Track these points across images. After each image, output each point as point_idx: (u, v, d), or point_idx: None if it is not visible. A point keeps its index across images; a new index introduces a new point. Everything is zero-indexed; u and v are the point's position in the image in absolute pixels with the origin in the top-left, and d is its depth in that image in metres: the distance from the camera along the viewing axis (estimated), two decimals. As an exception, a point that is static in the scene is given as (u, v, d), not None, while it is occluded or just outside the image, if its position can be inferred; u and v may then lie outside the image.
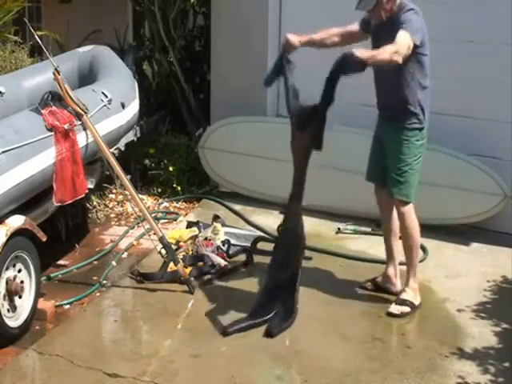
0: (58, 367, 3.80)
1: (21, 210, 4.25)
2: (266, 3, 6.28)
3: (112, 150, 5.36)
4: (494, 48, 5.52)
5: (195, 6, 7.26)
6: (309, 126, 4.17)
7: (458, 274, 5.02)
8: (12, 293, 4.06)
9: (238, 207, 6.16)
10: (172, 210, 6.32)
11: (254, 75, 6.34)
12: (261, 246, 5.25)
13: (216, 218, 5.66)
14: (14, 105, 4.97)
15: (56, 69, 4.68)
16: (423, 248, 5.12)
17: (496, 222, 5.60)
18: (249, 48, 6.37)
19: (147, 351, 4.00)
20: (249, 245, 5.27)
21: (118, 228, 5.88)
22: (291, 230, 4.31)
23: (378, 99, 4.50)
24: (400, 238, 4.57)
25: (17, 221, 4.13)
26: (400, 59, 3.99)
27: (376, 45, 4.22)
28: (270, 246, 5.07)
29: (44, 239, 4.33)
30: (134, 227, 5.82)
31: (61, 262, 5.12)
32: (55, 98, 4.56)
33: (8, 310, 4.04)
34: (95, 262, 5.19)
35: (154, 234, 4.82)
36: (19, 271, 4.17)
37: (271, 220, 5.69)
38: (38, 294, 4.31)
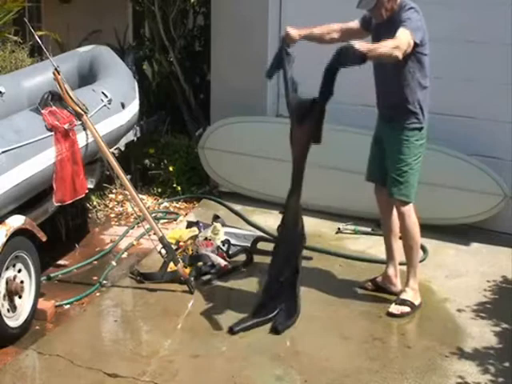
0: (57, 367, 3.80)
1: (21, 209, 4.25)
2: (266, 3, 6.29)
3: (112, 150, 5.36)
4: (494, 48, 5.52)
5: (195, 6, 7.27)
6: (308, 120, 4.16)
7: (458, 274, 5.02)
8: (12, 293, 4.06)
9: (238, 207, 6.16)
10: (172, 210, 6.32)
11: (254, 75, 6.35)
12: (261, 246, 5.25)
13: (216, 217, 5.66)
14: (14, 105, 4.98)
15: (56, 69, 4.68)
16: (423, 248, 5.12)
17: (496, 221, 5.60)
18: (249, 48, 6.37)
19: (147, 351, 4.00)
20: (249, 245, 5.27)
21: (118, 228, 5.88)
22: (291, 227, 4.31)
23: (377, 99, 4.50)
24: (400, 238, 4.57)
25: (17, 221, 4.13)
26: (400, 55, 3.98)
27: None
28: (270, 246, 5.07)
29: (44, 239, 4.33)
30: (133, 227, 5.82)
31: (61, 262, 5.12)
32: (55, 98, 4.56)
33: (8, 310, 4.04)
34: (95, 262, 5.19)
35: (154, 233, 4.82)
36: (19, 271, 4.17)
37: (271, 220, 5.68)
38: (38, 294, 4.31)
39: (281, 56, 4.36)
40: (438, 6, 5.37)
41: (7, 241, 3.99)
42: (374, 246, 5.36)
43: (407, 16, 4.15)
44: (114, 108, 5.14)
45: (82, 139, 4.65)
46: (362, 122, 5.31)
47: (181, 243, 5.21)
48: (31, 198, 4.40)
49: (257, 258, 5.12)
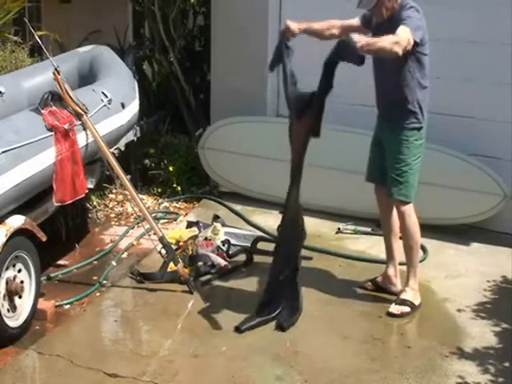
0: (57, 367, 3.80)
1: (21, 209, 4.25)
2: (265, 3, 6.29)
3: (112, 150, 5.36)
4: (494, 48, 5.52)
5: (195, 6, 7.27)
6: (307, 113, 4.16)
7: (458, 274, 5.02)
8: (12, 293, 4.06)
9: (238, 207, 6.16)
10: (172, 210, 6.32)
11: (254, 75, 6.36)
12: (261, 246, 5.25)
13: (216, 217, 5.66)
14: (14, 105, 4.98)
15: (56, 69, 4.68)
16: (423, 248, 5.12)
17: (496, 221, 5.60)
18: (249, 48, 6.37)
19: (147, 351, 4.00)
20: (249, 245, 5.27)
21: (118, 228, 5.88)
22: (291, 225, 4.31)
23: (377, 98, 4.50)
24: (400, 237, 4.57)
25: (17, 221, 4.13)
26: (400, 51, 3.97)
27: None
28: (270, 246, 5.08)
29: (44, 239, 4.33)
30: (133, 227, 5.82)
31: (61, 261, 5.12)
32: (55, 98, 4.56)
33: (8, 310, 4.04)
34: (95, 262, 5.19)
35: (154, 233, 4.82)
36: (19, 271, 4.17)
37: (271, 220, 5.68)
38: (38, 294, 4.31)
39: (280, 49, 4.35)
40: (438, 6, 5.37)
41: (7, 241, 3.99)
42: (373, 246, 5.36)
43: (407, 15, 4.15)
44: (113, 108, 5.14)
45: (81, 139, 4.65)
46: (362, 122, 5.31)
47: (181, 243, 5.20)
48: (31, 198, 4.40)
49: (257, 258, 5.12)
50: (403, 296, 4.47)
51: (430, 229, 5.05)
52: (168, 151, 6.81)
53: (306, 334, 4.21)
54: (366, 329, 4.29)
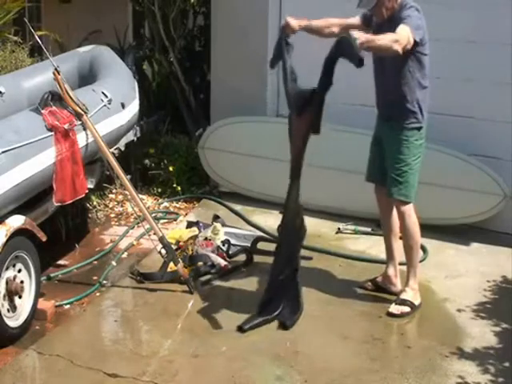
0: (57, 367, 3.80)
1: (21, 209, 4.25)
2: (265, 3, 6.28)
3: (112, 150, 5.36)
4: (494, 48, 5.52)
5: (195, 6, 7.27)
6: (307, 110, 4.16)
7: (458, 274, 5.02)
8: (12, 293, 4.06)
9: (238, 207, 6.16)
10: (172, 210, 6.32)
11: (253, 75, 6.36)
12: (261, 245, 5.25)
13: (216, 217, 5.66)
14: (14, 105, 4.98)
15: (56, 69, 4.68)
16: (423, 248, 5.12)
17: (496, 221, 5.60)
18: (249, 48, 6.36)
19: (147, 351, 4.00)
20: (249, 245, 5.27)
21: (118, 228, 5.88)
22: (291, 224, 4.31)
23: (377, 98, 4.50)
24: (400, 237, 4.57)
25: (17, 221, 4.13)
26: (400, 49, 3.97)
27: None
28: (270, 246, 5.08)
29: (44, 239, 4.33)
30: (133, 227, 5.82)
31: (61, 261, 5.12)
32: (55, 98, 4.56)
33: (8, 310, 4.04)
34: (95, 262, 5.19)
35: (154, 233, 4.82)
36: (19, 271, 4.17)
37: (271, 220, 5.68)
38: (38, 294, 4.31)
39: (280, 46, 4.35)
40: (437, 6, 5.37)
41: (7, 241, 3.99)
42: (373, 246, 5.36)
43: (408, 14, 4.15)
44: (113, 108, 5.14)
45: (82, 139, 4.65)
46: (362, 122, 5.31)
47: (181, 243, 5.20)
48: (31, 198, 4.40)
49: (257, 258, 5.12)
50: (403, 296, 4.47)
51: (429, 229, 5.05)
52: (168, 151, 6.81)
53: (306, 333, 4.21)
54: (366, 329, 4.29)
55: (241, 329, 4.16)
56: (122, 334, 4.29)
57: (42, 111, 4.42)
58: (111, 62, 5.70)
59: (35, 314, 4.25)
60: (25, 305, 4.18)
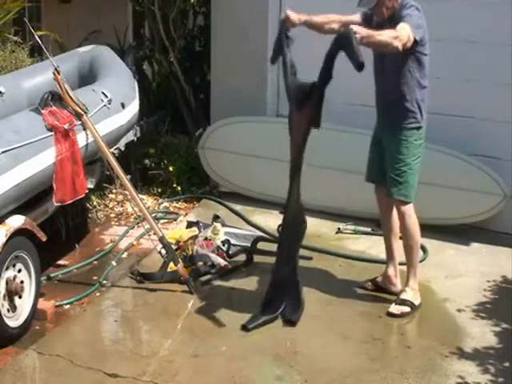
0: (57, 367, 3.80)
1: (21, 209, 4.25)
2: (265, 3, 6.28)
3: (112, 150, 5.36)
4: (494, 48, 5.52)
5: (195, 6, 7.27)
6: (307, 104, 4.15)
7: (458, 274, 5.02)
8: (12, 293, 4.06)
9: (238, 207, 6.16)
10: (172, 210, 6.32)
11: (254, 75, 6.36)
12: (261, 245, 5.25)
13: (216, 217, 5.66)
14: (13, 105, 4.98)
15: (56, 69, 4.68)
16: (423, 248, 5.12)
17: (496, 221, 5.60)
18: (249, 48, 6.36)
19: (147, 351, 4.00)
20: (249, 245, 5.27)
21: (118, 228, 5.88)
22: (292, 223, 4.32)
23: (377, 98, 4.49)
24: (400, 237, 4.57)
25: (17, 221, 4.13)
26: (400, 45, 3.96)
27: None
28: (270, 246, 5.09)
29: (44, 239, 4.33)
30: (133, 227, 5.82)
31: (61, 262, 5.12)
32: (55, 98, 4.56)
33: (8, 310, 4.04)
34: (95, 262, 5.19)
35: (154, 233, 4.82)
36: (19, 271, 4.17)
37: (271, 220, 5.68)
38: (38, 294, 4.31)
39: (280, 39, 4.34)
40: (438, 6, 5.37)
41: (7, 241, 3.99)
42: (373, 246, 5.36)
43: (408, 13, 4.15)
44: (113, 108, 5.14)
45: (82, 139, 4.65)
46: (361, 122, 5.31)
47: (181, 243, 5.20)
48: (31, 198, 4.40)
49: (257, 258, 5.12)
50: (403, 296, 4.47)
51: (429, 229, 5.05)
52: (168, 151, 6.81)
53: (306, 333, 4.21)
54: (366, 329, 4.29)
55: (245, 328, 4.17)
56: (121, 333, 4.29)
57: (42, 111, 4.42)
58: (111, 61, 5.70)
59: (35, 313, 4.25)
60: (25, 305, 4.18)
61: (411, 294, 4.46)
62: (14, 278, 4.10)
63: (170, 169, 6.63)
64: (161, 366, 3.85)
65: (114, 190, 6.44)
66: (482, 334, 4.20)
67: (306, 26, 4.43)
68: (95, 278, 4.91)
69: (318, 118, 4.15)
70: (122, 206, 6.30)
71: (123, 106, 5.30)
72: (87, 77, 5.49)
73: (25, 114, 4.51)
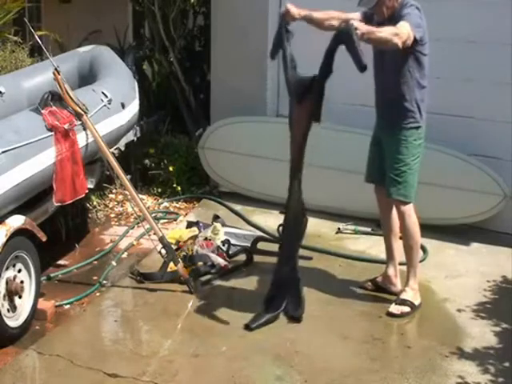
0: (57, 367, 3.80)
1: (21, 209, 4.25)
2: (265, 3, 6.28)
3: (112, 150, 5.36)
4: (494, 48, 5.52)
5: (195, 6, 7.27)
6: (307, 98, 4.15)
7: (458, 274, 5.02)
8: (12, 293, 4.06)
9: (238, 207, 6.16)
10: (172, 210, 6.32)
11: (254, 75, 6.36)
12: (261, 245, 5.25)
13: (216, 217, 5.66)
14: (13, 105, 4.98)
15: (56, 69, 4.68)
16: (423, 248, 5.12)
17: (496, 221, 5.60)
18: (249, 48, 6.36)
19: (147, 351, 4.00)
20: (249, 245, 5.27)
21: (118, 228, 5.88)
22: (294, 222, 4.32)
23: (376, 98, 4.49)
24: (400, 237, 4.57)
25: (17, 221, 4.13)
26: (399, 43, 3.97)
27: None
28: (270, 246, 5.09)
29: (44, 239, 4.33)
30: (133, 227, 5.82)
31: (61, 261, 5.12)
32: (55, 98, 4.56)
33: (8, 310, 4.04)
34: (95, 262, 5.19)
35: (154, 233, 4.82)
36: (19, 271, 4.17)
37: (271, 220, 5.68)
38: (38, 294, 4.31)
39: (280, 33, 4.33)
40: (438, 6, 5.37)
41: (7, 241, 3.99)
42: (373, 246, 5.36)
43: (408, 12, 4.16)
44: (113, 108, 5.14)
45: (82, 139, 4.65)
46: (361, 122, 5.31)
47: (181, 243, 5.20)
48: (31, 198, 4.40)
49: (257, 258, 5.12)
50: (403, 296, 4.47)
51: (429, 229, 5.05)
52: (168, 151, 6.81)
53: (306, 333, 4.21)
54: (366, 329, 4.29)
55: (248, 327, 4.17)
56: (122, 334, 4.29)
57: (42, 111, 4.42)
58: (111, 61, 5.70)
59: (35, 313, 4.25)
60: (25, 305, 4.18)
61: (411, 294, 4.46)
62: (14, 278, 4.10)
63: (170, 169, 6.63)
64: (161, 366, 3.85)
65: (114, 190, 6.44)
66: (482, 334, 4.20)
67: (305, 21, 4.41)
68: (95, 277, 4.91)
69: (318, 111, 4.15)
70: (122, 206, 6.30)
71: (123, 106, 5.30)
72: (87, 77, 5.49)
73: (25, 114, 4.51)
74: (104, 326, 4.42)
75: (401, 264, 4.63)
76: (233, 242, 5.27)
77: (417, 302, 4.47)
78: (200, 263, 4.92)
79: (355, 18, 4.42)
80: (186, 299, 4.57)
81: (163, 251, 4.74)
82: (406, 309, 4.42)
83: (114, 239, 5.60)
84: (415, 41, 4.10)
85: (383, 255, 4.79)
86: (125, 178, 4.80)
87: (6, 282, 4.04)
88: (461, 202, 5.56)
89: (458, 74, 5.65)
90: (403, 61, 4.22)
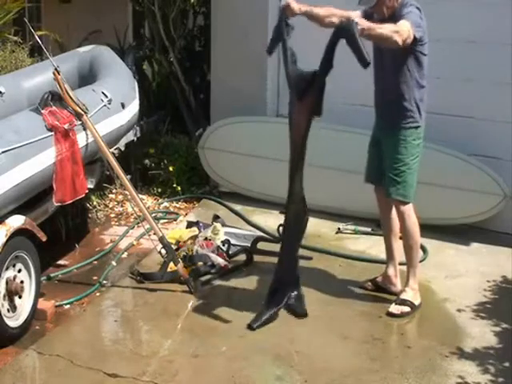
0: (57, 367, 3.80)
1: (21, 209, 4.25)
2: (265, 3, 6.28)
3: (112, 150, 5.36)
4: (494, 48, 5.52)
5: (195, 6, 7.27)
6: (308, 93, 4.15)
7: (458, 274, 5.02)
8: (12, 293, 4.06)
9: (238, 207, 6.16)
10: (172, 210, 6.32)
11: (253, 75, 6.36)
12: (261, 245, 5.25)
13: (216, 217, 5.66)
14: (13, 105, 4.98)
15: (56, 69, 4.68)
16: (423, 248, 5.12)
17: (496, 221, 5.60)
18: (249, 48, 6.36)
19: (147, 351, 4.00)
20: (249, 245, 5.27)
21: (118, 228, 5.88)
22: (294, 222, 4.32)
23: (376, 97, 4.49)
24: (400, 237, 4.57)
25: (17, 221, 4.13)
26: (400, 40, 3.97)
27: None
28: (270, 246, 5.09)
29: (44, 239, 4.33)
30: (133, 227, 5.82)
31: (61, 262, 5.12)
32: (55, 98, 4.56)
33: (8, 310, 4.04)
34: (95, 262, 5.19)
35: (154, 233, 4.82)
36: (19, 271, 4.17)
37: (271, 220, 5.69)
38: (38, 294, 4.31)
39: (280, 27, 4.32)
40: (438, 6, 5.37)
41: (7, 241, 3.99)
42: (373, 246, 5.36)
43: (408, 11, 4.16)
44: (113, 108, 5.14)
45: (82, 139, 4.65)
46: (361, 122, 5.30)
47: (181, 243, 5.20)
48: (31, 198, 4.40)
49: (257, 258, 5.12)
50: (403, 296, 4.47)
51: (430, 229, 5.06)
52: (168, 151, 6.81)
53: (306, 333, 4.21)
54: (366, 329, 4.29)
55: (250, 327, 4.17)
56: (122, 334, 4.29)
57: (42, 111, 4.42)
58: (111, 61, 5.70)
59: (35, 313, 4.25)
60: (25, 305, 4.18)
61: (411, 294, 4.46)
62: (14, 277, 4.10)
63: (170, 169, 6.63)
64: (161, 365, 3.85)
65: (114, 190, 6.44)
66: (482, 334, 4.20)
67: (305, 17, 4.40)
68: (95, 278, 4.91)
69: (318, 106, 4.15)
70: (122, 206, 6.30)
71: (123, 106, 5.30)
72: (87, 77, 5.49)
73: (25, 114, 4.51)
74: (104, 325, 4.42)
75: (401, 264, 4.63)
76: (233, 242, 5.27)
77: (417, 302, 4.47)
78: (200, 263, 4.92)
79: (355, 16, 4.43)
80: (185, 299, 4.58)
81: (163, 251, 4.74)
82: (406, 309, 4.42)
83: (114, 239, 5.60)
84: (415, 40, 4.10)
85: (383, 255, 4.79)
86: (125, 178, 4.80)
87: (6, 282, 4.04)
88: (461, 202, 5.56)
89: (458, 73, 5.65)
90: (403, 60, 4.22)
